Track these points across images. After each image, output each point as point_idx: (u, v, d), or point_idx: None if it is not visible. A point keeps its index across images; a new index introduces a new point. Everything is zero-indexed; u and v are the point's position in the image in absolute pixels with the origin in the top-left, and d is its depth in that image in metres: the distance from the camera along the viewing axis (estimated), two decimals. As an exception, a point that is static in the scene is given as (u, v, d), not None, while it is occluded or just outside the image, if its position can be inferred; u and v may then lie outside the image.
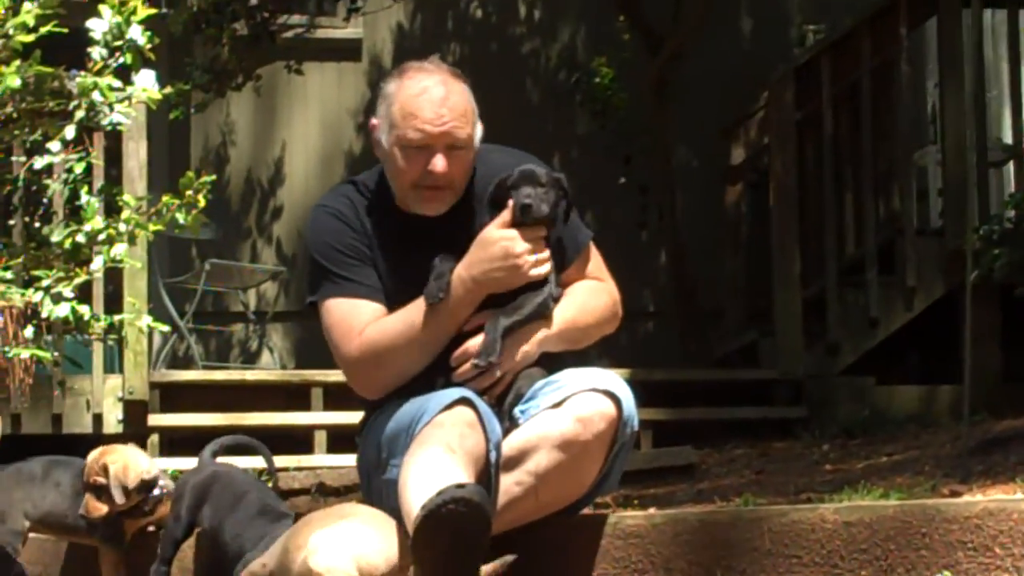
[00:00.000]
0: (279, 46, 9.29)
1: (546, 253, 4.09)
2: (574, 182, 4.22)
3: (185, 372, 8.71)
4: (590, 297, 4.23)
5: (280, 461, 6.00)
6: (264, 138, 10.58)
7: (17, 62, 4.20)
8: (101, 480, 4.61)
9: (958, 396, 7.82)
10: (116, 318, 4.88)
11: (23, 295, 4.52)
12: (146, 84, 4.40)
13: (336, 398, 7.65)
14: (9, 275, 4.47)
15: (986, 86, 8.87)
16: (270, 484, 4.93)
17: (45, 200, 5.10)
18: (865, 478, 5.60)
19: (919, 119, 10.07)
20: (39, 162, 4.50)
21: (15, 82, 4.19)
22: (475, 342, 4.05)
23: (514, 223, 4.06)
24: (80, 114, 4.32)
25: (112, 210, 4.75)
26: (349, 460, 6.77)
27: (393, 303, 4.13)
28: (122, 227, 4.53)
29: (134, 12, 4.30)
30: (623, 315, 4.31)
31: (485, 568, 3.62)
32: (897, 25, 8.70)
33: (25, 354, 5.08)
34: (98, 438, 7.25)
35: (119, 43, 4.28)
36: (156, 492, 4.68)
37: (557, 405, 4.01)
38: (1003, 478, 5.27)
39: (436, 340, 4.07)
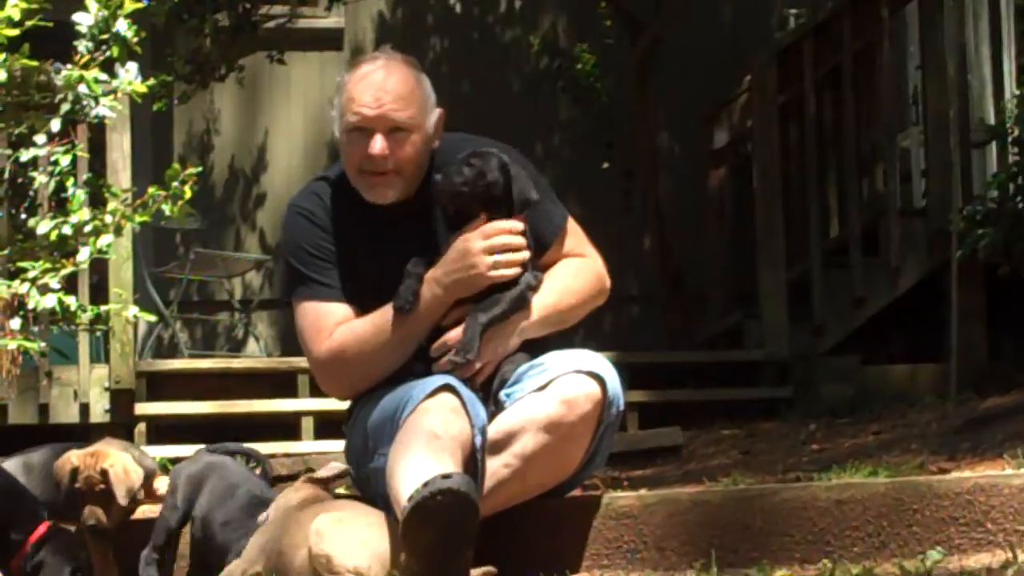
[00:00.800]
0: (261, 36, 9.27)
1: (521, 255, 4.07)
2: (557, 168, 4.23)
3: (171, 361, 8.71)
4: (572, 278, 4.21)
5: (267, 448, 6.01)
6: (247, 128, 10.57)
7: (2, 56, 4.21)
8: (102, 486, 4.54)
9: (944, 375, 7.86)
10: (103, 308, 4.89)
11: (10, 287, 4.54)
12: (130, 77, 4.41)
13: (322, 385, 7.66)
14: (-4, 267, 4.48)
15: (968, 67, 8.87)
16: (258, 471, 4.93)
17: (31, 193, 5.09)
18: (852, 457, 5.62)
19: (902, 101, 10.08)
20: (25, 155, 4.51)
21: (1, 76, 4.19)
22: (455, 333, 4.04)
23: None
24: (66, 107, 4.32)
25: (98, 201, 4.76)
26: (336, 446, 6.79)
27: (363, 295, 4.13)
28: (108, 218, 4.54)
29: (121, 6, 4.30)
30: (609, 297, 4.29)
31: (474, 572, 3.63)
32: (879, 8, 8.70)
33: (12, 345, 5.09)
34: (85, 428, 7.27)
35: (105, 36, 4.28)
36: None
37: (542, 388, 4.01)
38: (990, 455, 5.31)
39: (404, 344, 4.08)
